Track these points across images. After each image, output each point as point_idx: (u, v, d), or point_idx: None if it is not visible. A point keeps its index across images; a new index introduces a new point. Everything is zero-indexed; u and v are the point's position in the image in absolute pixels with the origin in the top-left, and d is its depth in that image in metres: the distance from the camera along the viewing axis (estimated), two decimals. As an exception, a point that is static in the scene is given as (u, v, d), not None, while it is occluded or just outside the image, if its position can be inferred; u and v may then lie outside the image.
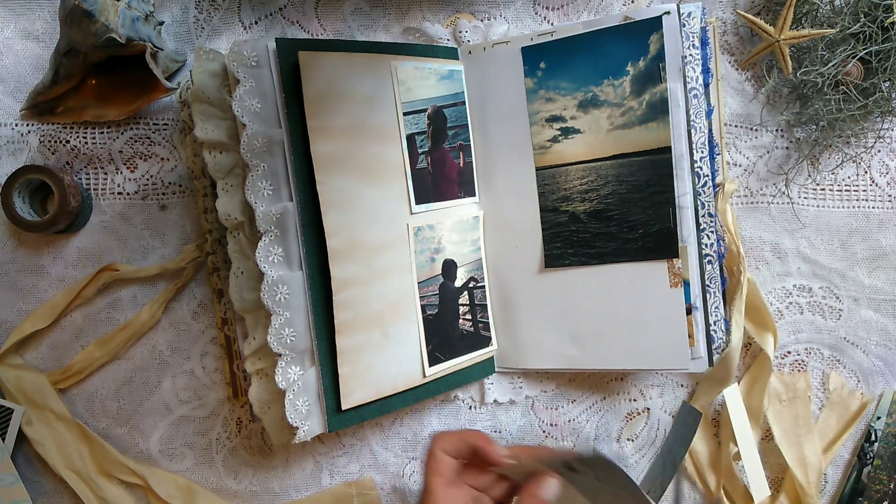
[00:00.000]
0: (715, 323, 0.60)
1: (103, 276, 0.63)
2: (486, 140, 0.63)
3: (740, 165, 0.66)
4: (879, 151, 0.66)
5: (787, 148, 0.66)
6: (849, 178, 0.66)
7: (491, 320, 0.64)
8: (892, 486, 0.65)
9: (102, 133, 0.63)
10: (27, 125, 0.63)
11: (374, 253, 0.57)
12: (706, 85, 0.59)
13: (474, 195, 0.63)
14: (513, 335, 0.64)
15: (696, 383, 0.66)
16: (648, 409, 0.66)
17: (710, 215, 0.59)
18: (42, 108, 0.62)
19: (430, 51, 0.61)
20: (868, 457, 0.66)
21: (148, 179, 0.64)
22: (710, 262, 0.60)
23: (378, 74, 0.57)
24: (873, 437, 0.66)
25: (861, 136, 0.65)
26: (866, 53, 0.60)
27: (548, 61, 0.60)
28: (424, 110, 0.60)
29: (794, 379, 0.66)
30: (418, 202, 0.59)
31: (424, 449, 0.66)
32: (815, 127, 0.64)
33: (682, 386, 0.66)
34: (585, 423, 0.66)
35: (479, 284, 0.64)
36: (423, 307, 0.60)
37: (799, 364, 0.67)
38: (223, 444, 0.65)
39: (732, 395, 0.63)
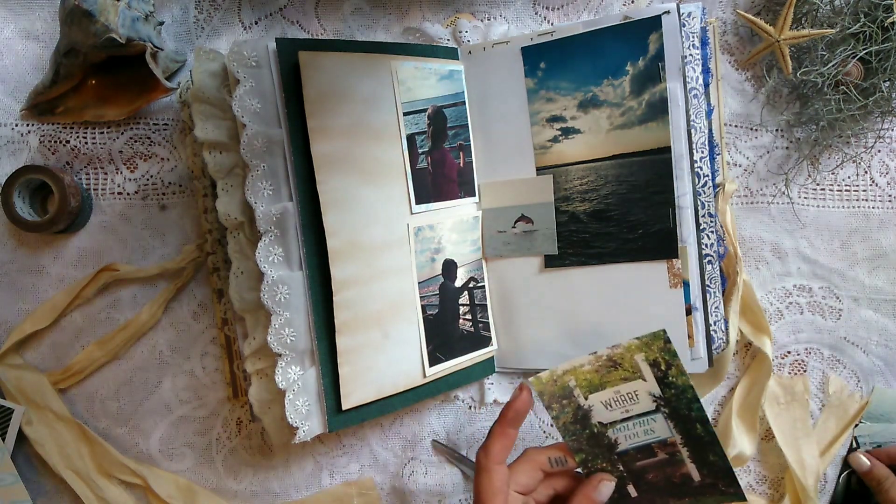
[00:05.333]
0: (715, 323, 0.60)
1: (103, 277, 0.63)
2: (487, 140, 0.63)
3: (740, 165, 0.66)
4: (879, 151, 0.66)
5: (787, 148, 0.66)
6: (849, 178, 0.66)
7: (491, 320, 0.64)
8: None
9: (102, 133, 0.63)
10: (27, 125, 0.63)
11: (374, 253, 0.57)
12: (706, 85, 0.59)
13: (474, 195, 0.63)
14: (513, 335, 0.64)
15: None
16: (648, 409, 0.66)
17: (710, 215, 0.59)
18: (42, 108, 0.62)
19: (431, 51, 0.61)
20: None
21: (148, 179, 0.64)
22: (710, 262, 0.60)
23: (378, 74, 0.57)
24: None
25: (861, 136, 0.65)
26: (866, 53, 0.60)
27: (548, 61, 0.60)
28: (424, 110, 0.60)
29: (793, 382, 0.66)
30: (418, 202, 0.59)
31: (424, 449, 0.66)
32: (815, 127, 0.64)
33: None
34: (585, 423, 0.66)
35: (479, 284, 0.64)
36: (423, 307, 0.60)
37: (799, 364, 0.67)
38: (223, 444, 0.65)
39: None
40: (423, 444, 0.66)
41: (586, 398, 0.50)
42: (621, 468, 0.51)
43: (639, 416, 0.50)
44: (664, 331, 0.48)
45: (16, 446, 0.61)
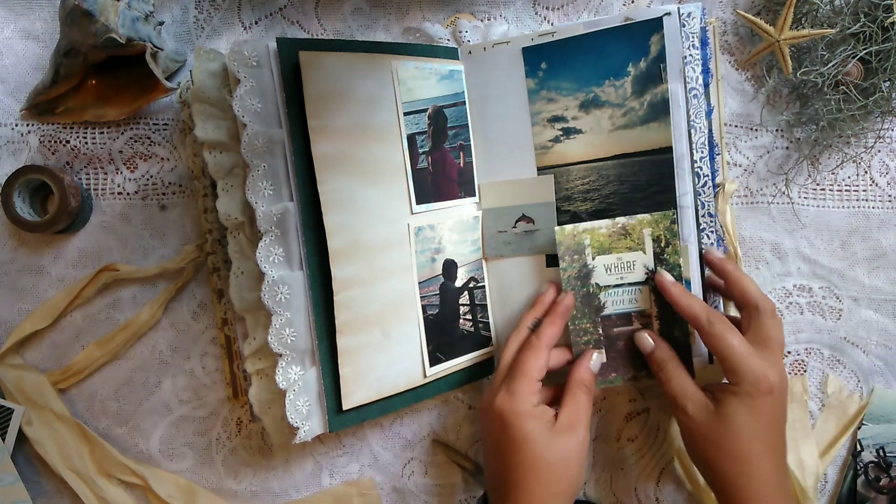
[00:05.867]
0: (715, 323, 0.60)
1: (103, 277, 0.63)
2: (487, 140, 0.63)
3: (740, 165, 0.66)
4: (879, 151, 0.66)
5: (787, 148, 0.66)
6: (849, 178, 0.66)
7: (491, 320, 0.64)
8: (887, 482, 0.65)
9: (102, 133, 0.63)
10: (27, 125, 0.63)
11: (374, 253, 0.57)
12: (706, 85, 0.59)
13: (474, 195, 0.63)
14: (513, 335, 0.64)
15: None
16: (648, 408, 0.66)
17: (711, 215, 0.59)
18: (42, 108, 0.62)
19: (431, 51, 0.61)
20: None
21: (148, 179, 0.64)
22: (710, 262, 0.60)
23: (378, 74, 0.57)
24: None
25: (861, 136, 0.65)
26: (866, 53, 0.60)
27: (549, 62, 0.60)
28: (425, 110, 0.60)
29: (791, 383, 0.65)
30: (419, 202, 0.59)
31: (424, 449, 0.66)
32: (815, 127, 0.64)
33: (682, 386, 0.66)
34: (586, 423, 0.66)
35: (479, 284, 0.64)
36: (423, 307, 0.60)
37: (799, 364, 0.67)
38: (223, 445, 0.65)
39: None
40: (423, 444, 0.66)
41: (593, 259, 0.57)
42: (600, 331, 0.58)
43: (629, 284, 0.57)
44: (674, 211, 0.56)
45: (16, 446, 0.61)
